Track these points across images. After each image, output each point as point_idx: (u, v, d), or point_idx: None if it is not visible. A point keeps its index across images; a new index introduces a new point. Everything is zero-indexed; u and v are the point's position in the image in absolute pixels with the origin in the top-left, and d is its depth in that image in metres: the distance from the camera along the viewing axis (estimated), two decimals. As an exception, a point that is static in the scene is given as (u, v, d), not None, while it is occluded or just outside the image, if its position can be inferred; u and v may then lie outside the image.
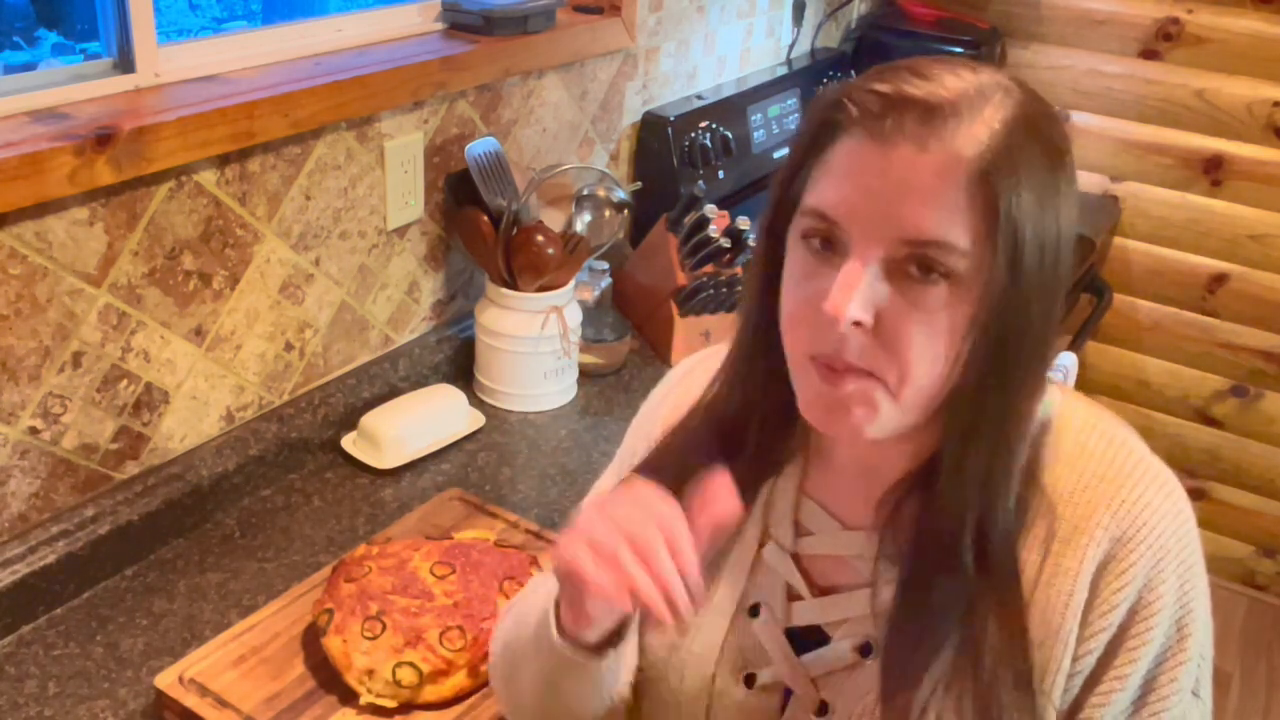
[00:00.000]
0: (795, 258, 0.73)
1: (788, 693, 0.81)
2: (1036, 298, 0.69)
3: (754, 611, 0.83)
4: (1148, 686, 0.74)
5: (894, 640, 0.75)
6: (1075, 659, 0.73)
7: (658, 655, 0.85)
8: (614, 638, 0.79)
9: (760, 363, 0.79)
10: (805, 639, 0.81)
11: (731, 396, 0.83)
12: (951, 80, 0.68)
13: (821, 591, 0.81)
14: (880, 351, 0.68)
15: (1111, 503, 0.73)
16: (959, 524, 0.72)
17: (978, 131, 0.66)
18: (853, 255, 0.68)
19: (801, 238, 0.72)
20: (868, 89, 0.69)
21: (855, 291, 0.67)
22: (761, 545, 0.83)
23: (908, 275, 0.67)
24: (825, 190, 0.70)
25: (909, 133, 0.66)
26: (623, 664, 0.83)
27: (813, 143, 0.72)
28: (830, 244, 0.70)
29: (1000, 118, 0.67)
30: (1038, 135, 0.69)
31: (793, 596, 0.82)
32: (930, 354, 0.69)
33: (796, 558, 0.82)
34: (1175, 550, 0.73)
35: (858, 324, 0.67)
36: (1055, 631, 0.73)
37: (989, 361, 0.69)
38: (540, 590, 0.87)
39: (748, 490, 0.83)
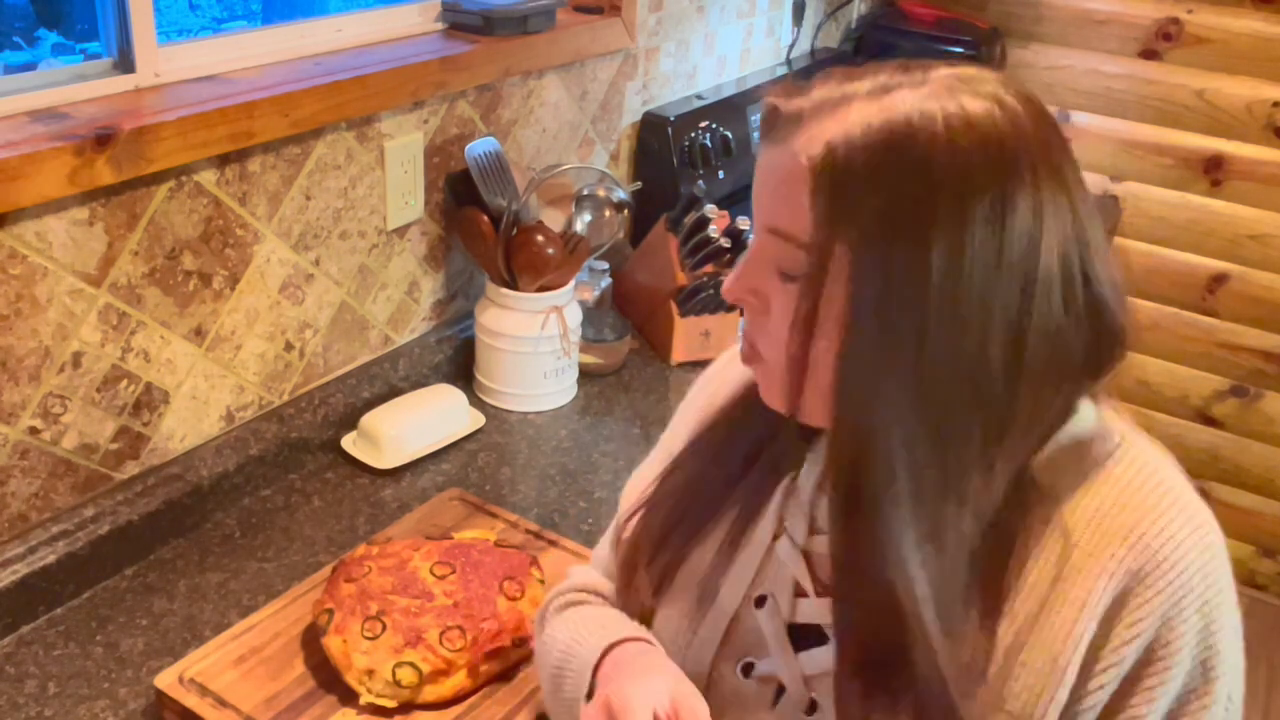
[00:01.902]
0: None
1: (781, 687, 0.81)
2: (914, 337, 0.66)
3: (760, 602, 0.83)
4: None
5: (846, 645, 0.76)
6: (1081, 695, 0.71)
7: (668, 638, 0.86)
8: None
9: None
10: (807, 637, 0.81)
11: None
12: (839, 86, 0.70)
13: (826, 591, 0.81)
14: (756, 330, 0.76)
15: (1130, 535, 0.71)
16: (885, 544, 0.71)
17: (827, 137, 0.67)
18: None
19: None
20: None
21: (736, 272, 0.76)
22: (775, 538, 0.83)
23: (773, 266, 0.73)
24: None
25: (775, 134, 0.72)
26: None
27: None
28: None
29: (865, 124, 0.66)
30: (910, 155, 0.65)
31: (799, 593, 0.82)
32: (775, 340, 0.73)
33: (807, 554, 0.82)
34: (1199, 589, 0.71)
35: (735, 300, 0.76)
36: (1053, 660, 0.70)
37: (859, 385, 0.69)
38: (590, 631, 0.89)
39: (771, 482, 0.85)
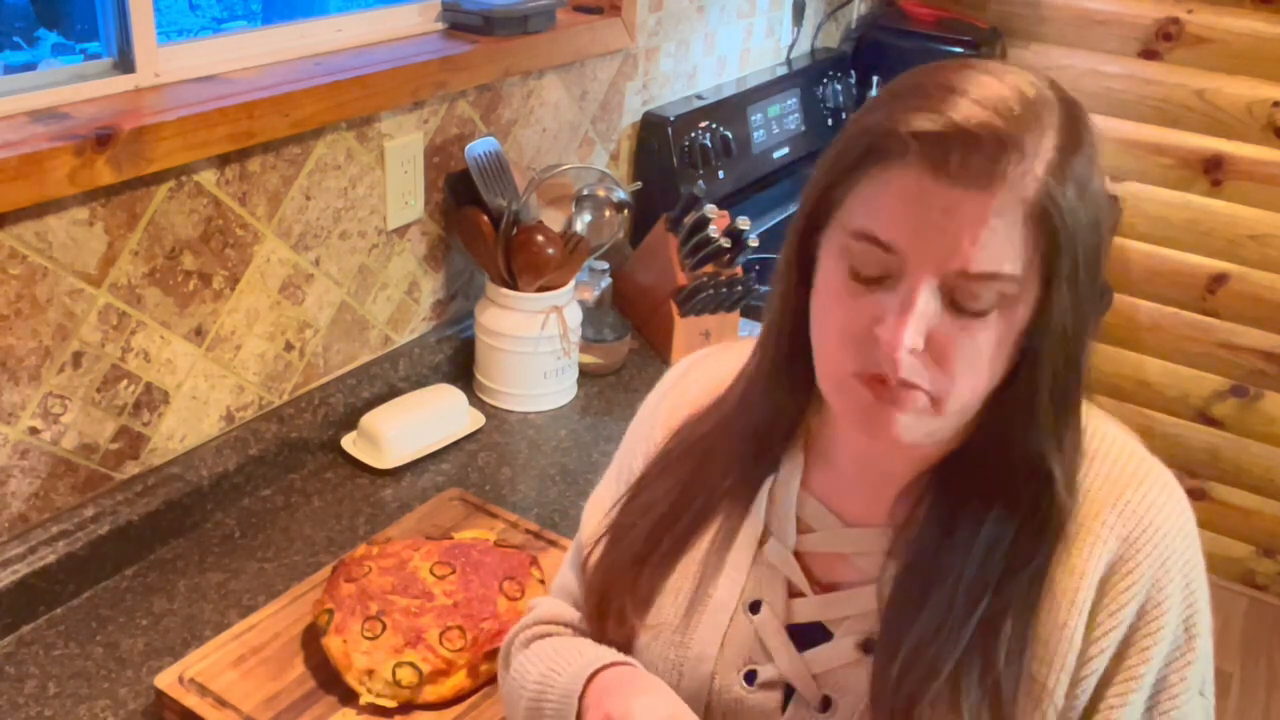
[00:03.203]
0: (836, 274, 0.72)
1: (788, 691, 0.81)
2: (1089, 290, 0.71)
3: (754, 608, 0.83)
4: (1160, 685, 0.75)
5: (888, 634, 0.76)
6: (1085, 660, 0.73)
7: (658, 655, 0.85)
8: None
9: (789, 368, 0.80)
10: (805, 636, 0.81)
11: (756, 402, 0.84)
12: (1002, 99, 0.68)
13: (823, 588, 0.81)
14: (928, 368, 0.69)
15: (1118, 503, 0.75)
16: (1015, 498, 0.74)
17: (1037, 168, 0.67)
18: (908, 282, 0.68)
19: (845, 256, 0.71)
20: (922, 120, 0.67)
21: (912, 320, 0.68)
22: (762, 542, 0.83)
23: (957, 300, 0.68)
24: (882, 217, 0.69)
25: (974, 174, 0.66)
26: None
27: (858, 162, 0.70)
28: (878, 264, 0.70)
29: (1053, 144, 0.67)
30: (1080, 140, 0.69)
31: (794, 593, 0.82)
32: (974, 370, 0.70)
33: (798, 555, 0.82)
34: (1180, 550, 0.75)
35: (915, 350, 0.68)
36: (1060, 628, 0.73)
37: (1044, 360, 0.71)
38: (558, 663, 0.86)
39: (747, 488, 0.84)
